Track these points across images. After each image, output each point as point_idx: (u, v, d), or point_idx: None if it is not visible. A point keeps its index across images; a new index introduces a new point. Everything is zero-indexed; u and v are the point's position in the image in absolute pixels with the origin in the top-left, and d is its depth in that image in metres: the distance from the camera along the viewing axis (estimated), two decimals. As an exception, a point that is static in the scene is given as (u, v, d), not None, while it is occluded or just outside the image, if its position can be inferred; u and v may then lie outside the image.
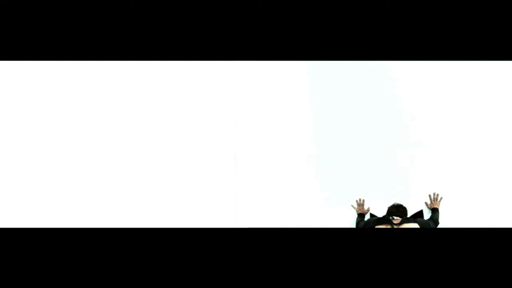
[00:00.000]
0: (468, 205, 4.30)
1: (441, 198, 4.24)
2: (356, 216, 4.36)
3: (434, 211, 4.20)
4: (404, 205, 4.06)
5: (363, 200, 4.38)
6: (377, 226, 3.96)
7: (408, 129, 4.47)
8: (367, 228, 4.04)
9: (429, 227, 3.98)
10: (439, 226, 4.19)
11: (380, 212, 4.25)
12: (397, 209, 3.99)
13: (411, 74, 4.52)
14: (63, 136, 4.51)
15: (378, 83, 4.55)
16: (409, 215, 4.08)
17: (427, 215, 4.25)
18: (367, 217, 4.32)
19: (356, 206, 4.40)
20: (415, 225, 3.88)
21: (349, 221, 4.39)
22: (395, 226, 3.88)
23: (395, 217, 3.93)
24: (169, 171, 4.52)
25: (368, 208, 4.37)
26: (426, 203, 4.27)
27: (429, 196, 4.26)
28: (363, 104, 4.55)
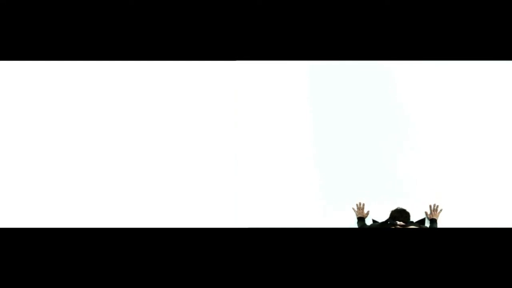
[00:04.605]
0: (468, 205, 4.30)
1: (440, 210, 4.24)
2: (356, 220, 4.34)
3: (433, 221, 4.20)
4: (407, 209, 4.05)
5: (363, 204, 4.37)
6: None
7: (408, 129, 4.47)
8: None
9: None
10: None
11: (380, 216, 4.25)
12: (400, 214, 3.97)
13: (412, 75, 4.52)
14: (63, 136, 4.51)
15: (379, 84, 4.55)
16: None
17: (426, 224, 4.25)
18: (369, 222, 4.29)
19: (356, 209, 4.39)
20: None
21: (349, 222, 4.39)
22: None
23: (398, 222, 3.90)
24: (169, 171, 4.52)
25: (368, 211, 4.35)
26: (426, 213, 4.26)
27: (430, 206, 4.25)
28: (364, 104, 4.55)
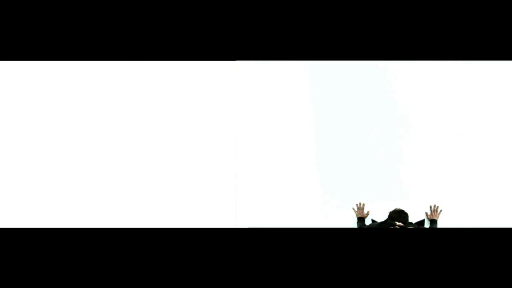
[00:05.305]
0: (468, 205, 4.30)
1: (440, 211, 4.25)
2: (356, 220, 4.35)
3: (433, 222, 4.21)
4: (405, 210, 4.05)
5: (363, 204, 4.38)
6: None
7: (409, 129, 4.47)
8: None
9: None
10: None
11: (380, 216, 4.25)
12: (399, 215, 3.99)
13: (414, 75, 4.52)
14: (63, 136, 4.51)
15: (380, 84, 4.55)
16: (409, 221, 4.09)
17: (425, 225, 4.26)
18: (368, 222, 4.31)
19: (356, 209, 4.39)
20: None
21: (349, 222, 4.39)
22: None
23: (397, 223, 3.92)
24: (169, 171, 4.52)
25: (368, 212, 4.36)
26: (426, 213, 4.27)
27: (430, 207, 4.27)
28: (365, 104, 4.55)
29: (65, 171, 4.46)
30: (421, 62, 4.47)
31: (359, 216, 4.35)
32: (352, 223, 4.36)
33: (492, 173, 4.35)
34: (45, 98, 4.54)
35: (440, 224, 4.22)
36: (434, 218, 4.23)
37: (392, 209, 4.09)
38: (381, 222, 4.08)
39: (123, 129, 4.56)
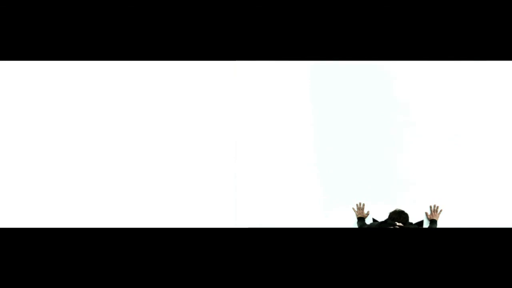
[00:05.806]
0: (468, 205, 4.31)
1: (440, 211, 4.25)
2: (356, 220, 4.35)
3: (432, 222, 4.22)
4: (405, 211, 4.06)
5: (363, 204, 4.38)
6: None
7: (409, 129, 4.47)
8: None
9: None
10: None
11: (380, 216, 4.25)
12: (399, 215, 4.00)
13: (412, 75, 4.52)
14: (63, 136, 4.51)
15: (380, 84, 4.55)
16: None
17: (425, 225, 4.26)
18: (369, 221, 4.31)
19: (356, 209, 4.40)
20: None
21: (349, 222, 4.39)
22: None
23: (397, 223, 3.93)
24: (169, 172, 4.52)
25: (368, 212, 4.36)
26: (426, 213, 4.27)
27: (430, 207, 4.27)
28: (365, 104, 4.55)
29: (65, 171, 4.46)
30: (421, 62, 4.47)
31: (359, 216, 4.35)
32: (352, 223, 4.36)
33: (492, 173, 4.35)
34: (45, 98, 4.54)
35: (440, 224, 4.22)
36: (434, 218, 4.23)
37: (392, 209, 4.09)
38: (381, 222, 4.08)
39: (123, 129, 4.56)
